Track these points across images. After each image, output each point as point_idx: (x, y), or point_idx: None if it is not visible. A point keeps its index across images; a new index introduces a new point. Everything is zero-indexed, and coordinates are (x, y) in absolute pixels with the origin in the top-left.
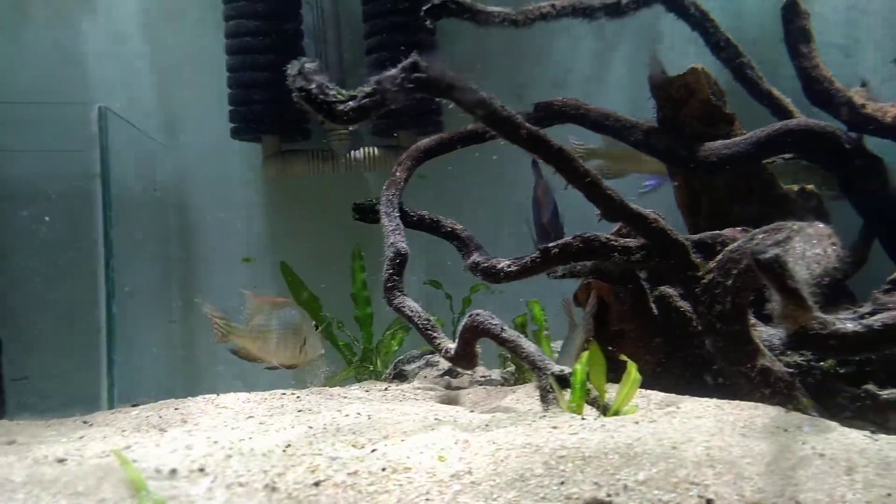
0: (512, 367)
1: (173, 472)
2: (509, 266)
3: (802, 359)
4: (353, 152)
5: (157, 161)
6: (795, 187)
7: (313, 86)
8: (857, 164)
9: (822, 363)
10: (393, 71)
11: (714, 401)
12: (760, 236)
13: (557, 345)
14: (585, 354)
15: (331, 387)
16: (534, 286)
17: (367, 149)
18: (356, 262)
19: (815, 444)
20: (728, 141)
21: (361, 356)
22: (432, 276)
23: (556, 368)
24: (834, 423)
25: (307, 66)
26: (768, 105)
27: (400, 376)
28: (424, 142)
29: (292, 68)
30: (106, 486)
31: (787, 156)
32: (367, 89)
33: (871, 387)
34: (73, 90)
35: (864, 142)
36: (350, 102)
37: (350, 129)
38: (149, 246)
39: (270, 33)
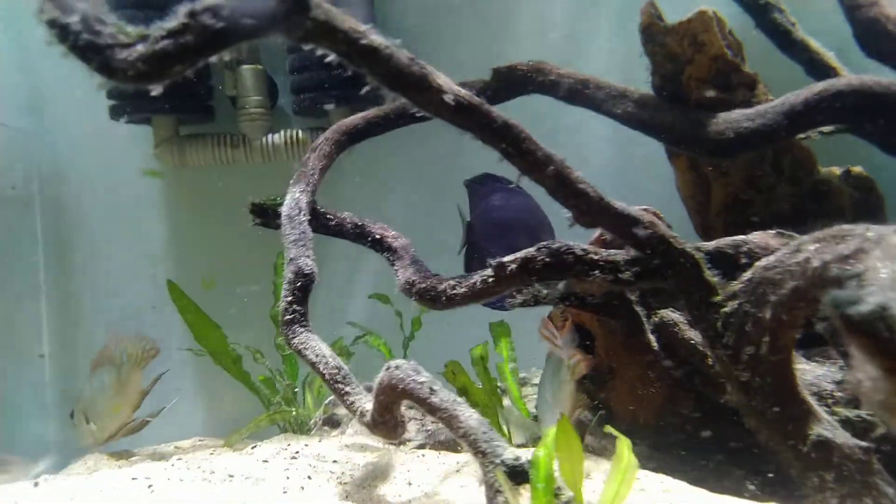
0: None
1: None
2: (454, 287)
3: (870, 413)
4: (270, 136)
5: (17, 151)
6: (837, 170)
7: (74, 18)
8: None
9: None
10: None
11: None
12: (812, 247)
13: (531, 381)
14: (550, 433)
15: (231, 445)
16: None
17: (288, 132)
18: (279, 275)
19: None
20: (750, 111)
21: (283, 396)
22: (380, 288)
23: (509, 455)
24: None
25: None
26: (802, 61)
27: (332, 422)
28: (348, 120)
29: None
30: None
31: (825, 129)
32: (173, 24)
33: None
34: None
35: None
36: (138, 46)
37: (263, 108)
38: (6, 257)
39: None
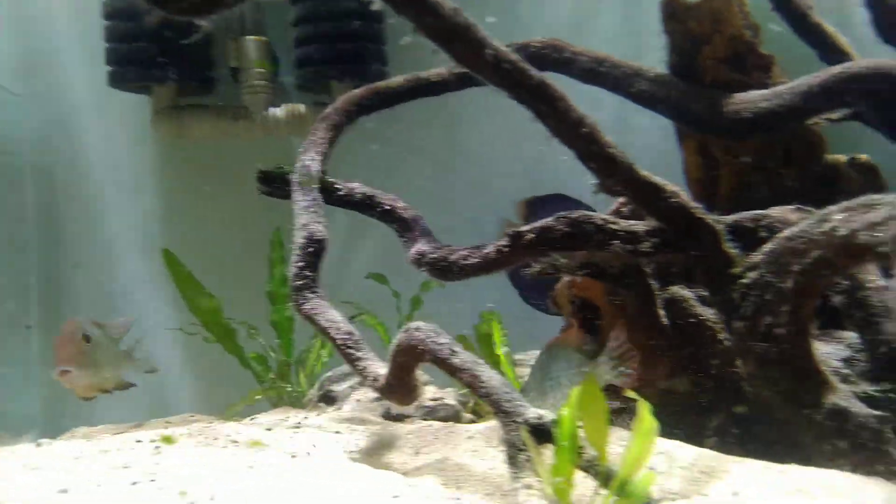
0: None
1: None
2: (466, 258)
3: (875, 388)
4: (272, 110)
5: (8, 117)
6: (843, 158)
7: None
8: None
9: None
10: None
11: (788, 472)
12: (840, 216)
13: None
14: (574, 391)
15: (228, 418)
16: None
17: (291, 105)
18: (275, 251)
19: None
20: (766, 92)
21: (278, 372)
22: (377, 267)
23: (532, 414)
24: None
25: None
26: (817, 44)
27: (327, 399)
28: (358, 91)
29: None
30: None
31: (834, 115)
32: None
33: None
34: None
35: None
36: None
37: (266, 81)
38: None
39: None
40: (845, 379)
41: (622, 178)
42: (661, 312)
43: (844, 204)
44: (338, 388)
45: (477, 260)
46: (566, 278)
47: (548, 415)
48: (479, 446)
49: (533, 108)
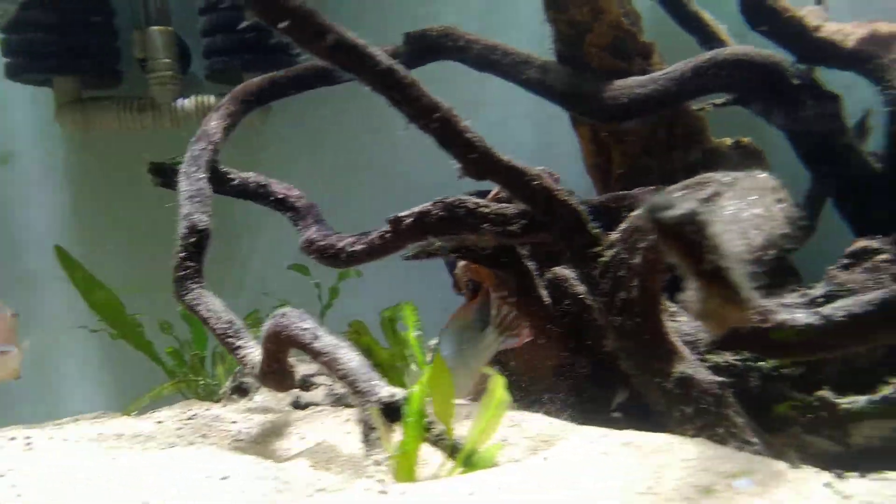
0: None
1: None
2: (353, 244)
3: (736, 357)
4: (181, 101)
5: None
6: (728, 140)
7: None
8: (808, 104)
9: (761, 363)
10: None
11: (610, 436)
12: (678, 194)
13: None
14: (426, 374)
15: (128, 413)
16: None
17: (199, 97)
18: None
19: None
20: (642, 78)
21: (190, 366)
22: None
23: (384, 393)
24: (781, 465)
25: None
26: (695, 32)
27: (240, 390)
28: (255, 81)
29: None
30: None
31: (718, 101)
32: None
33: (826, 393)
34: None
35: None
36: None
37: (173, 71)
38: None
39: None
40: (710, 350)
41: (481, 162)
42: (545, 293)
43: (684, 182)
44: (250, 379)
45: (363, 246)
46: (462, 263)
47: (400, 393)
48: (353, 428)
49: (385, 94)
